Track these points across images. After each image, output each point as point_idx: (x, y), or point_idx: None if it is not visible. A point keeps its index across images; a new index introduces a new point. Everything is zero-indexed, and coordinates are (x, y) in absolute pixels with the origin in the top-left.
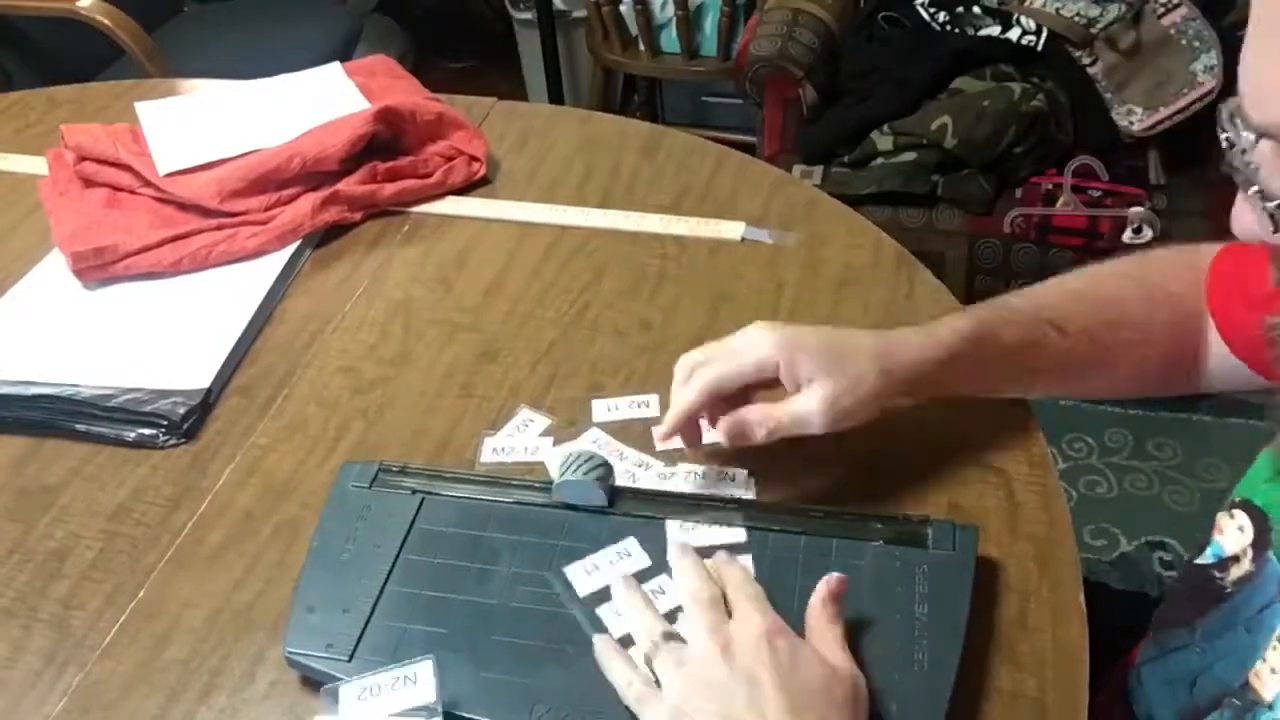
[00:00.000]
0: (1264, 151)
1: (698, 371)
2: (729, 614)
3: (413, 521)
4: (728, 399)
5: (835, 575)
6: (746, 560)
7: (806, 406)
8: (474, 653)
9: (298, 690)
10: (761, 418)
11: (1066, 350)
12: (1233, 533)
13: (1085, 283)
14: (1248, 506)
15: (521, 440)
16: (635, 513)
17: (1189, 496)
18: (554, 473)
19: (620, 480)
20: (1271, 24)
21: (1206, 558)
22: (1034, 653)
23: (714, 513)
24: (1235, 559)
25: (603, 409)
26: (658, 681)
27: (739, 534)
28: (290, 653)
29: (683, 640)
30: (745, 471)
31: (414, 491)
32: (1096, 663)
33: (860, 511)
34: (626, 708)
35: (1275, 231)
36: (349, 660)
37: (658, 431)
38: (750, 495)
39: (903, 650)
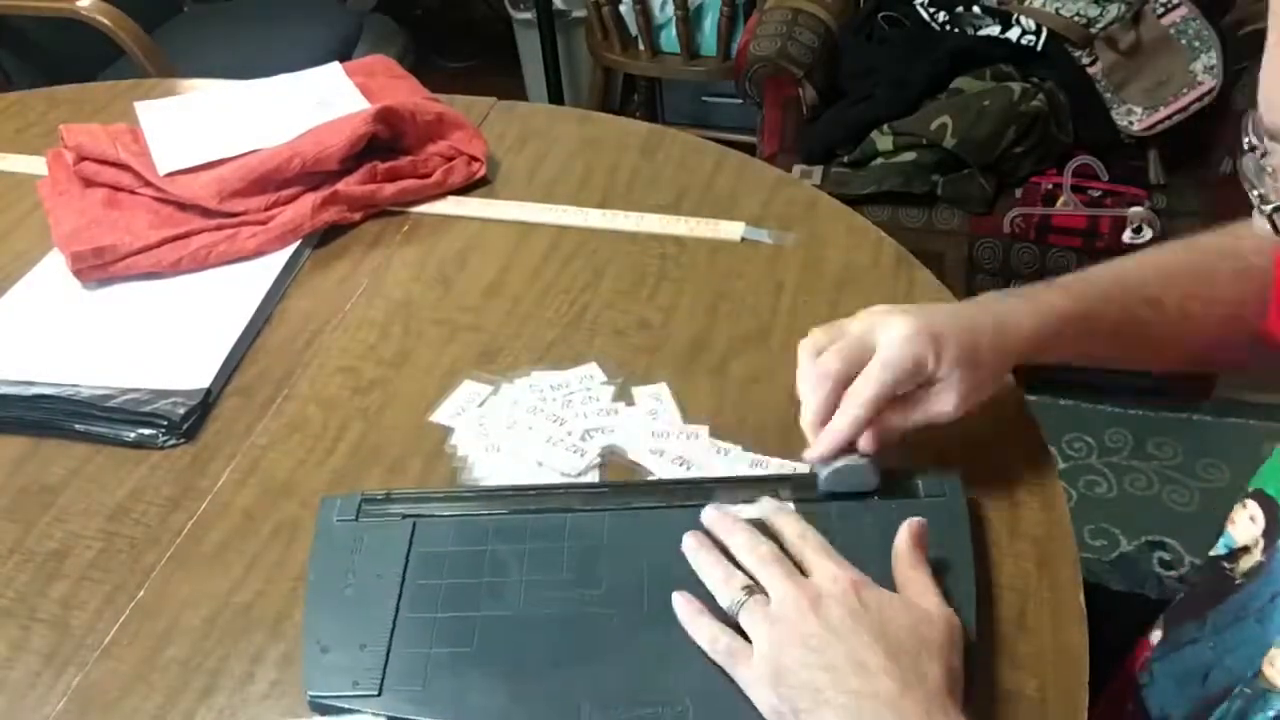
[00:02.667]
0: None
1: (855, 392)
2: (797, 566)
3: (409, 546)
4: None
5: (916, 519)
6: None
7: (944, 406)
8: (506, 666)
9: (298, 690)
10: (902, 423)
11: (1162, 326)
12: (1244, 523)
13: (1181, 258)
14: (1260, 496)
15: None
16: (683, 503)
17: (1189, 496)
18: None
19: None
20: None
21: (1218, 549)
22: (1034, 653)
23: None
24: (1246, 549)
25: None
26: (744, 637)
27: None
28: (314, 696)
29: (765, 594)
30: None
31: (404, 517)
32: (1096, 663)
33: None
34: (686, 686)
35: (1278, 234)
36: (379, 694)
37: (810, 453)
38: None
39: None
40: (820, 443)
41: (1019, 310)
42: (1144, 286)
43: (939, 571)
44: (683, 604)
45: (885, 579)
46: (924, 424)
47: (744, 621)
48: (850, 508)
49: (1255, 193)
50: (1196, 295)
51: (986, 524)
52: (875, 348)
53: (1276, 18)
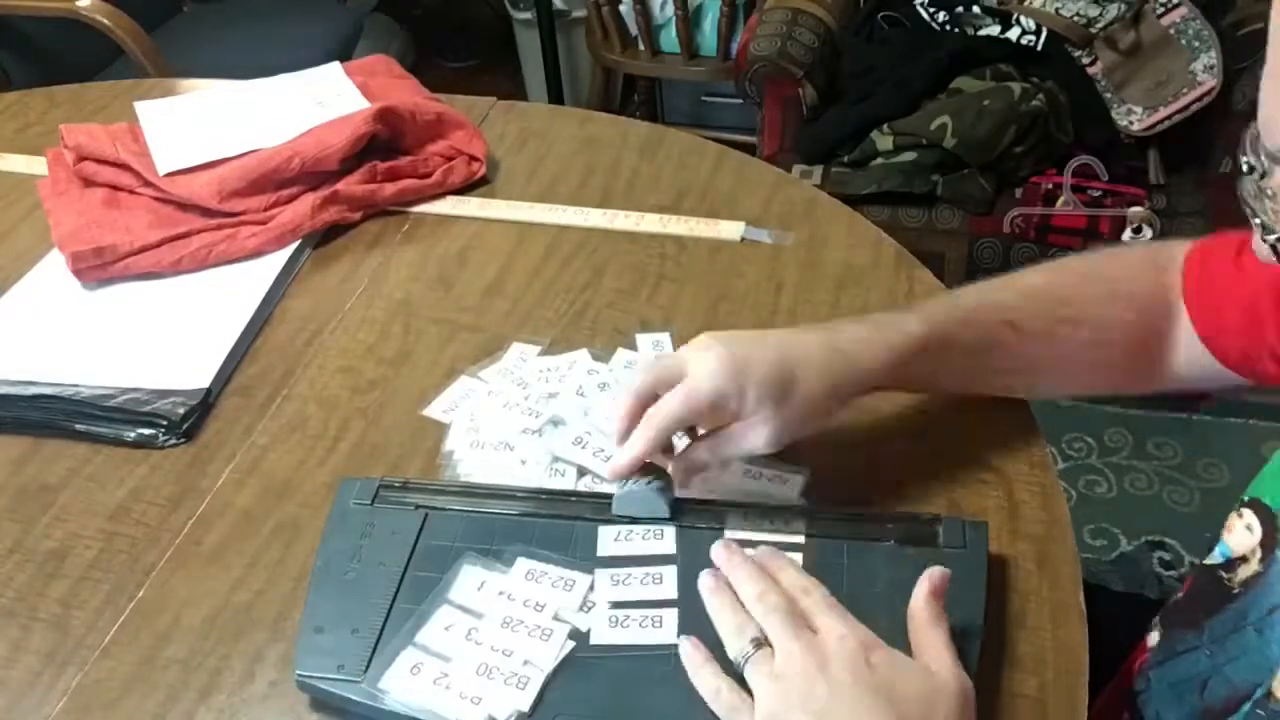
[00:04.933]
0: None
1: (651, 416)
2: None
3: (418, 537)
4: None
5: (937, 570)
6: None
7: (756, 439)
8: None
9: (297, 690)
10: (710, 455)
11: (1023, 350)
12: (1241, 532)
13: (1044, 279)
14: (1257, 506)
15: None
16: (695, 524)
17: (1189, 496)
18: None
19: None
20: None
21: (1215, 558)
22: (1034, 653)
23: (766, 519)
24: (1243, 559)
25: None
26: (747, 690)
27: (798, 538)
28: (301, 675)
29: (773, 648)
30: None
31: (417, 507)
32: (1096, 663)
33: (870, 512)
34: (673, 708)
35: (1278, 259)
36: (362, 681)
37: (609, 467)
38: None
39: None
40: (614, 463)
41: (867, 342)
42: (1005, 308)
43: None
44: (689, 651)
45: (894, 627)
46: (737, 456)
47: (749, 675)
48: (863, 550)
49: (1256, 220)
50: (1065, 319)
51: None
52: (684, 374)
53: (1276, 37)
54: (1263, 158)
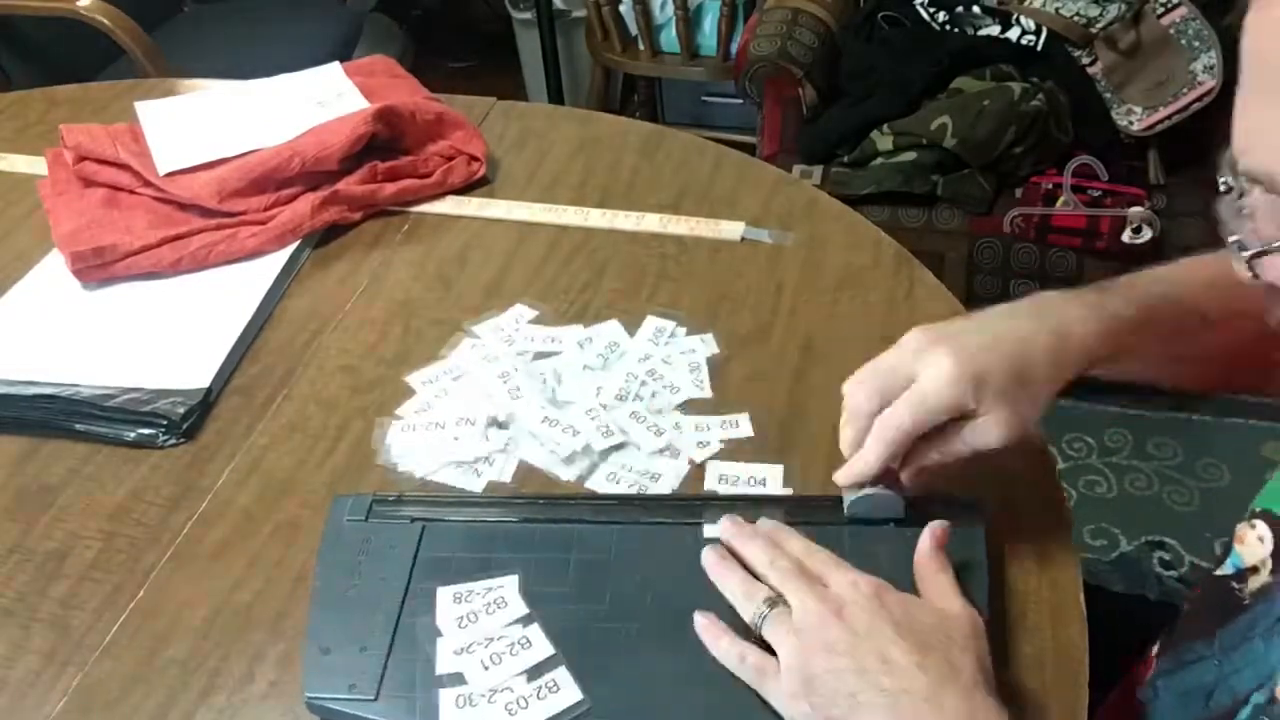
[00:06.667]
0: (1257, 198)
1: (885, 422)
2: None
3: (417, 550)
4: None
5: (939, 523)
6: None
7: (988, 437)
8: None
9: (297, 690)
10: (943, 457)
11: (1206, 339)
12: (1253, 543)
13: (1216, 270)
14: (1268, 517)
15: None
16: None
17: (1189, 496)
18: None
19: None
20: (1253, 76)
21: (1226, 569)
22: (1034, 653)
23: (761, 510)
24: (1254, 569)
25: None
26: (768, 652)
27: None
28: (311, 698)
29: (787, 606)
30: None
31: (413, 520)
32: (1096, 663)
33: None
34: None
35: (1254, 279)
36: (375, 699)
37: (840, 474)
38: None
39: None
40: (846, 470)
41: (1080, 319)
42: (1194, 297)
43: None
44: (705, 625)
45: None
46: (966, 455)
47: (768, 634)
48: (863, 532)
49: (1233, 239)
50: (1238, 310)
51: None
52: (913, 379)
53: (1248, 60)
54: (1241, 178)
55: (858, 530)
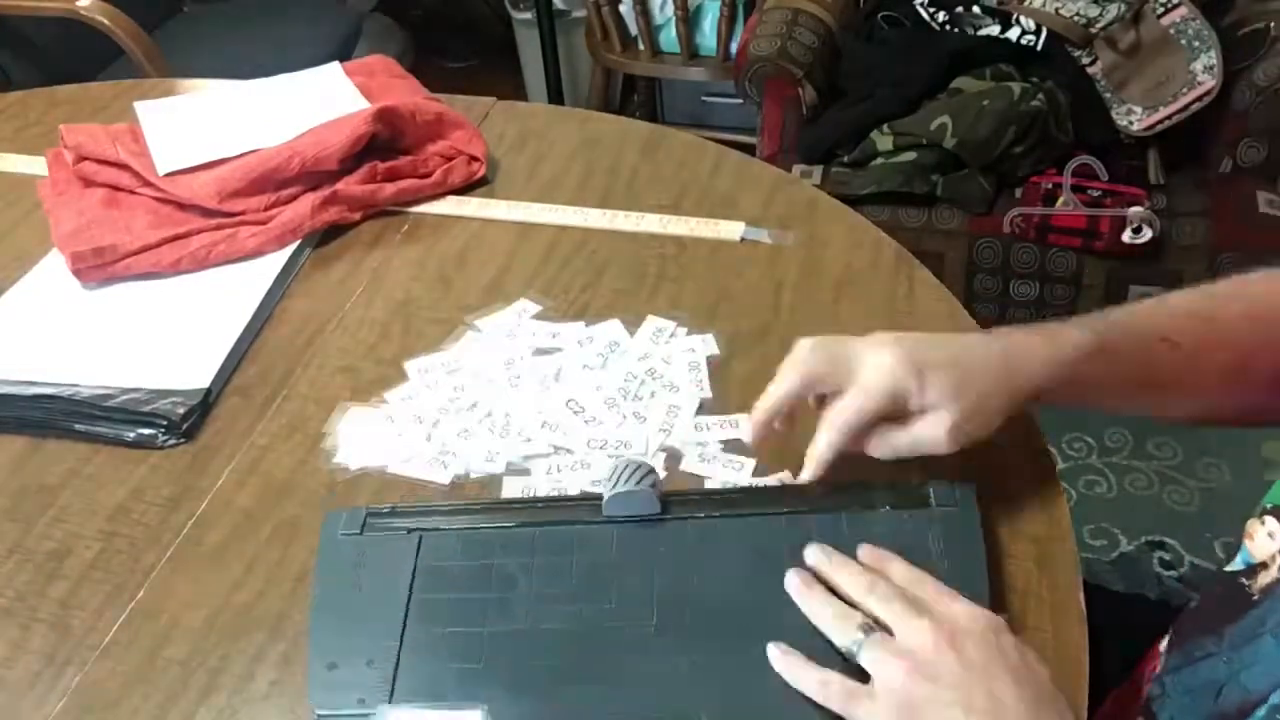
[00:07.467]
0: None
1: (833, 420)
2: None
3: (416, 560)
4: None
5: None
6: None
7: (933, 435)
8: (515, 683)
9: (297, 690)
10: (883, 449)
11: (1176, 368)
12: (1262, 539)
13: (1190, 298)
14: (1279, 513)
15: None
16: (685, 515)
17: (1189, 496)
18: (602, 488)
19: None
20: None
21: (1236, 564)
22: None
23: (753, 500)
24: (1264, 565)
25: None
26: (856, 679)
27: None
28: (321, 715)
29: (889, 631)
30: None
31: (410, 530)
32: (1097, 664)
33: (858, 482)
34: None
35: None
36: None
37: (802, 475)
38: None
39: None
40: (806, 467)
41: (1031, 342)
42: (1162, 326)
43: (952, 582)
44: (780, 656)
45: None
46: (914, 454)
47: (866, 659)
48: (861, 520)
49: None
50: (1217, 341)
51: (987, 524)
52: (855, 372)
53: None
54: None
55: (856, 519)
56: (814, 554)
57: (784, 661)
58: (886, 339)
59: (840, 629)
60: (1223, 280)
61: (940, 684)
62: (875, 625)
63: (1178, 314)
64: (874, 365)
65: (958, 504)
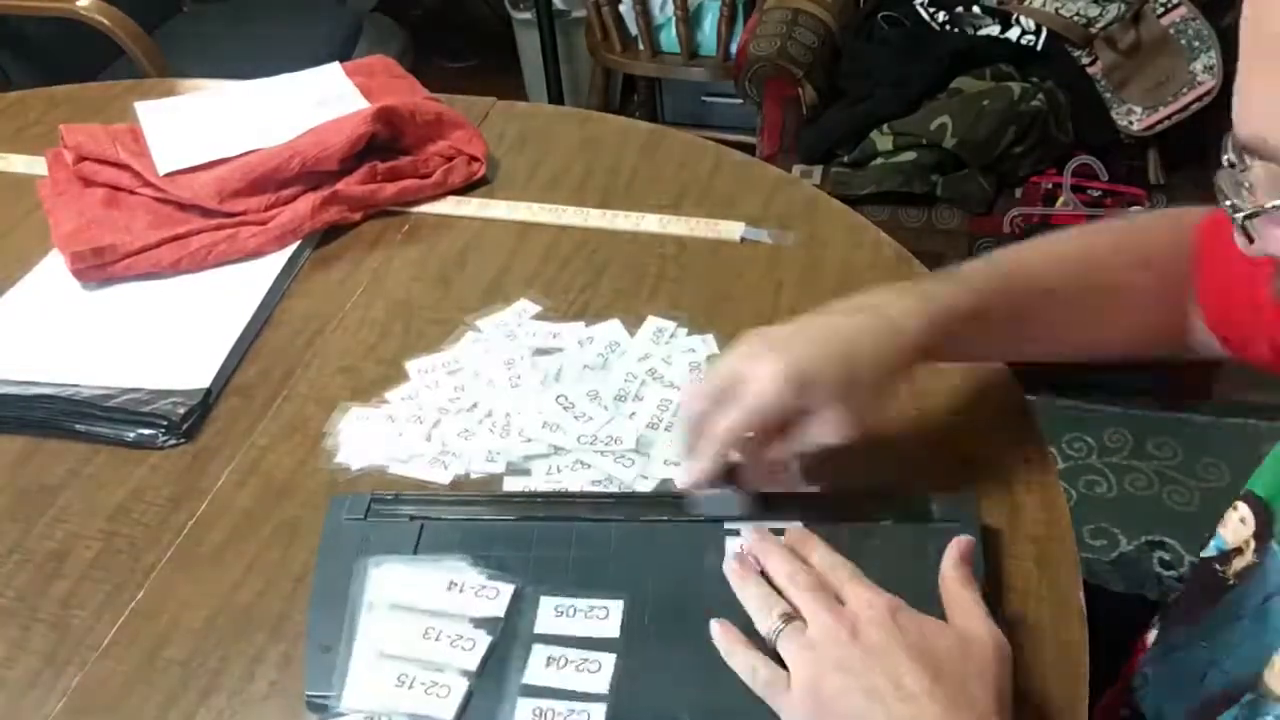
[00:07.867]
0: (1256, 170)
1: (713, 432)
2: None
3: (415, 549)
4: None
5: (964, 537)
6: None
7: (825, 434)
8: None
9: (298, 690)
10: (785, 454)
11: (1058, 317)
12: (1235, 525)
13: (1075, 246)
14: (1250, 498)
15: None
16: (692, 517)
17: (1189, 496)
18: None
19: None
20: (1252, 45)
21: (1210, 550)
22: (1034, 653)
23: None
24: (1238, 550)
25: None
26: (781, 667)
27: (795, 525)
28: (312, 696)
29: (804, 621)
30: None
31: (412, 518)
32: (1096, 663)
33: (860, 494)
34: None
35: (1250, 244)
36: None
37: (680, 478)
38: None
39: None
40: (686, 475)
41: (908, 312)
42: (1042, 276)
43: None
44: (721, 633)
45: (905, 600)
46: (808, 449)
47: (782, 649)
48: (861, 532)
49: (1228, 203)
50: (1095, 286)
51: (987, 525)
52: (743, 382)
53: (1247, 28)
54: (1240, 150)
55: (858, 531)
56: (748, 536)
57: (723, 638)
58: (761, 350)
59: (763, 618)
60: (1103, 223)
61: (847, 674)
62: (796, 615)
63: (1060, 261)
64: (757, 378)
65: (959, 518)
